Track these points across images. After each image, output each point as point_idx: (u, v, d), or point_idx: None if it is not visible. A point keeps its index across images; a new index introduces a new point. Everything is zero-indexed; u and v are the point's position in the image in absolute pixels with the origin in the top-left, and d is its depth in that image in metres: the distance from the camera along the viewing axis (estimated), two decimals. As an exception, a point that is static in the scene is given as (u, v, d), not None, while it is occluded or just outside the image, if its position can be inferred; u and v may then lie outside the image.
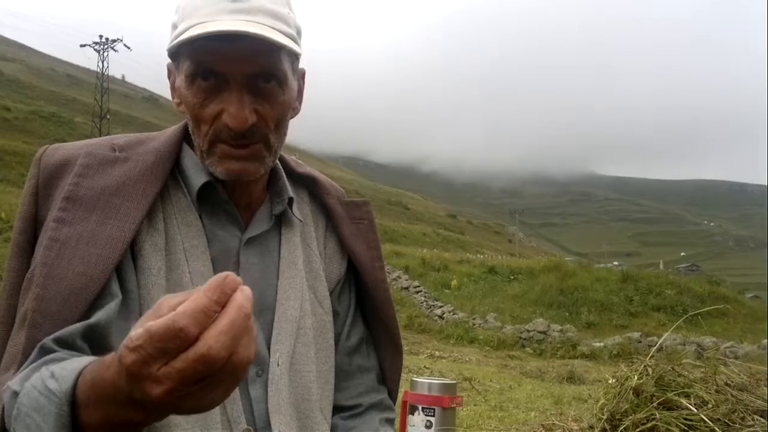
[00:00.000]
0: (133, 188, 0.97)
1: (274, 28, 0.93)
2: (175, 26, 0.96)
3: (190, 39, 0.90)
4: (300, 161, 1.18)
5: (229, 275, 0.58)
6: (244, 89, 0.94)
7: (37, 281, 0.88)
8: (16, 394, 0.75)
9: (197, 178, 1.02)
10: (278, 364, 1.02)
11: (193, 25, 0.92)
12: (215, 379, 0.59)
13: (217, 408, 0.95)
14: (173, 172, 1.03)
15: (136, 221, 0.94)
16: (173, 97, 1.04)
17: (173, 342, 0.56)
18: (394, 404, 1.24)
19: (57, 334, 0.84)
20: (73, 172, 0.96)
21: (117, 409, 0.64)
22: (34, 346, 0.83)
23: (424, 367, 10.54)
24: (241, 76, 0.93)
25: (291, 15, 0.98)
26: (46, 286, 0.87)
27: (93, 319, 0.87)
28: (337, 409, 1.14)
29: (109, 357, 0.66)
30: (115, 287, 0.92)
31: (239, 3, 0.93)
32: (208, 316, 0.56)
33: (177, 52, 0.97)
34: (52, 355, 0.81)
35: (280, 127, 1.00)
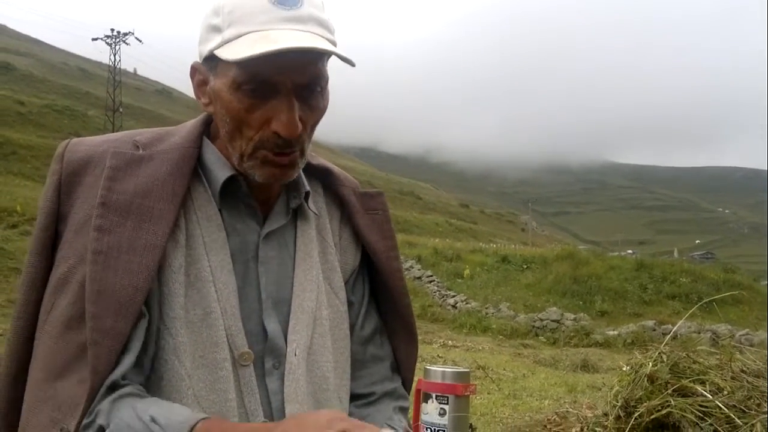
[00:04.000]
0: (162, 188, 0.98)
1: (323, 37, 0.94)
2: (217, 29, 0.94)
3: (260, 55, 0.87)
4: (313, 153, 1.19)
5: None
6: (293, 97, 0.95)
7: (90, 298, 0.90)
8: (102, 429, 0.82)
9: (221, 172, 1.03)
10: (295, 354, 1.04)
11: (247, 33, 0.91)
12: None
13: (235, 402, 0.97)
14: (194, 167, 1.04)
15: (170, 224, 0.96)
16: (201, 97, 1.03)
17: None
18: (410, 393, 1.25)
19: (123, 369, 0.90)
20: (104, 176, 0.97)
21: None
22: (101, 364, 0.88)
23: (438, 356, 10.56)
24: (291, 84, 0.94)
25: (330, 20, 0.98)
26: (98, 303, 0.90)
27: (138, 346, 0.93)
28: (351, 398, 1.15)
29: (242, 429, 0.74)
30: (143, 305, 0.94)
31: (292, 11, 0.93)
32: None
33: (217, 57, 0.95)
34: (128, 389, 0.88)
35: (313, 131, 1.02)
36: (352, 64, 0.96)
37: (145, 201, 0.96)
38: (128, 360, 0.91)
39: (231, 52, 0.91)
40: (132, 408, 0.82)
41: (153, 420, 0.77)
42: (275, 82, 0.93)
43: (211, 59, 0.98)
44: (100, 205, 0.95)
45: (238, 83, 0.94)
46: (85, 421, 0.86)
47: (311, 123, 0.99)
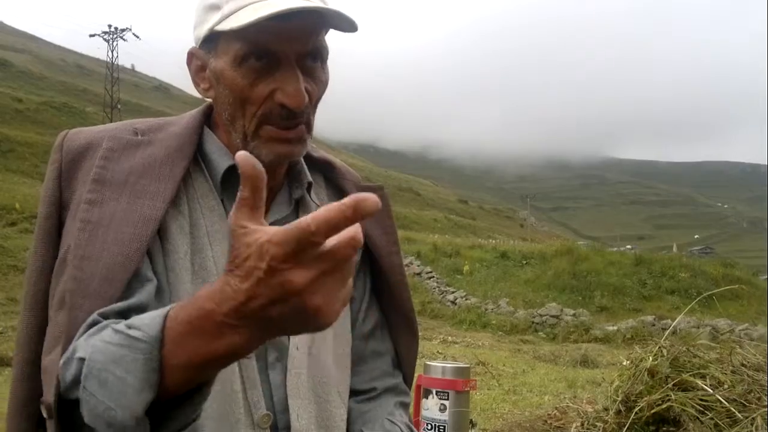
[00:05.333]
0: (159, 170, 0.97)
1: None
2: (215, 7, 0.94)
3: (265, 17, 0.86)
4: (314, 145, 1.18)
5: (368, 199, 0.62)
6: (297, 68, 0.94)
7: (73, 263, 0.88)
8: (82, 359, 0.75)
9: (222, 161, 1.02)
10: (297, 348, 1.03)
11: (246, 5, 0.90)
12: (338, 272, 0.62)
13: (240, 394, 0.96)
14: (195, 156, 1.03)
15: (166, 200, 0.94)
16: (199, 83, 1.02)
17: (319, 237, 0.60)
18: (410, 388, 1.24)
19: (101, 310, 0.84)
20: (99, 155, 0.96)
21: (213, 339, 0.64)
22: (76, 325, 0.83)
23: (437, 352, 10.59)
24: (294, 54, 0.93)
25: None
26: (82, 268, 0.87)
27: (133, 300, 0.87)
28: (352, 393, 1.14)
29: (204, 292, 0.65)
30: (149, 271, 0.92)
31: None
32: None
33: (217, 35, 0.95)
34: (105, 322, 0.81)
35: (317, 107, 1.01)
36: (355, 28, 0.95)
37: (140, 180, 0.95)
38: (117, 305, 0.85)
39: (234, 22, 0.90)
40: (110, 327, 0.76)
41: (129, 326, 0.72)
42: (277, 52, 0.92)
43: (209, 41, 0.97)
44: (92, 182, 0.93)
45: (240, 57, 0.93)
46: (63, 358, 0.79)
47: (315, 97, 0.98)
